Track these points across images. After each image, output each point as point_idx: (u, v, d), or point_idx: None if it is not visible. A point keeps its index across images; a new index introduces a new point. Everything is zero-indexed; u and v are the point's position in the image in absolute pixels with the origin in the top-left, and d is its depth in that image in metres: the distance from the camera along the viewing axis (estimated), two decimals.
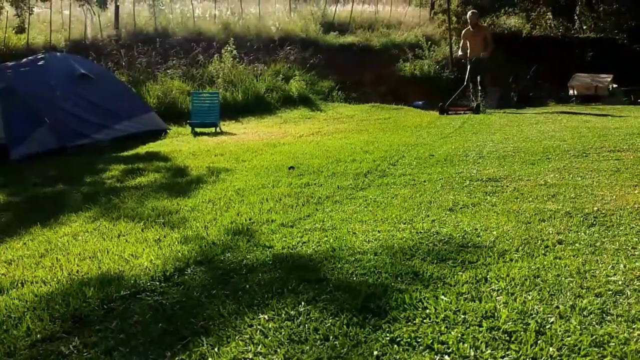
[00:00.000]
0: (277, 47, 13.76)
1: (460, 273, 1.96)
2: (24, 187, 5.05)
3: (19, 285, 2.20)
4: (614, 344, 1.46)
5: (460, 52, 10.10)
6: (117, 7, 14.15)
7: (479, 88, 9.80)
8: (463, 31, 10.36)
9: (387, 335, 1.53)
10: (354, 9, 17.25)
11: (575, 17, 16.50)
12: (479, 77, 9.65)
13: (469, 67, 9.65)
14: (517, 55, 13.76)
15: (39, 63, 8.18)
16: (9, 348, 1.62)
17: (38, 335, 1.68)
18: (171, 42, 13.47)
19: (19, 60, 8.66)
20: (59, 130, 7.30)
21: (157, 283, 2.05)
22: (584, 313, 1.62)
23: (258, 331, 1.60)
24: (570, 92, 12.48)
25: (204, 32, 14.37)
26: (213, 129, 9.06)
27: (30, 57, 8.74)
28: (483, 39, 9.73)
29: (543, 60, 13.41)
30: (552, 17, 16.37)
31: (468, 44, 9.80)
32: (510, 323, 1.57)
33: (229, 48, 12.38)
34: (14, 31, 13.03)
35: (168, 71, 11.96)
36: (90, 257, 2.49)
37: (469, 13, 10.31)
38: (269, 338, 1.56)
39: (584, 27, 16.23)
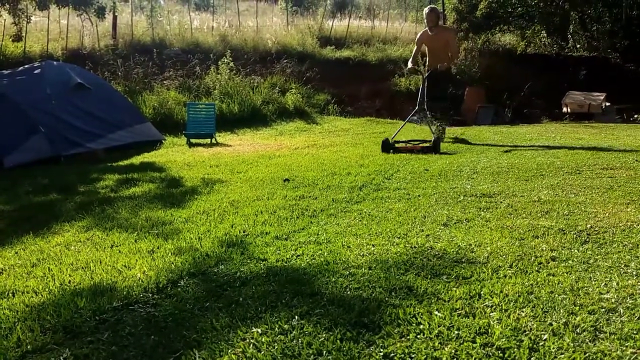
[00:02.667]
0: (274, 60, 13.84)
1: (454, 288, 1.96)
2: (17, 196, 5.02)
3: (10, 295, 2.18)
4: None
5: (409, 64, 7.24)
6: (115, 17, 14.21)
7: (438, 115, 7.42)
8: (418, 34, 7.72)
9: (381, 350, 1.53)
10: (350, 23, 17.41)
11: (569, 36, 16.73)
12: (439, 98, 7.20)
13: (424, 82, 7.13)
14: (511, 72, 13.93)
15: (36, 72, 8.19)
16: None
17: (29, 346, 1.66)
18: (168, 53, 13.52)
19: (16, 69, 8.66)
20: (54, 138, 7.28)
21: (150, 295, 2.03)
22: (577, 330, 1.62)
23: (251, 345, 1.59)
24: (564, 109, 12.61)
25: (201, 43, 14.43)
26: (208, 140, 9.07)
27: (26, 66, 8.76)
28: (445, 44, 7.17)
29: (537, 78, 13.56)
30: (546, 35, 16.59)
31: (426, 51, 7.40)
32: (503, 339, 1.57)
33: (225, 60, 12.45)
34: (11, 39, 13.04)
35: (164, 82, 11.99)
36: (82, 268, 2.47)
37: (426, 10, 7.56)
38: (262, 352, 1.55)
39: (578, 46, 16.45)
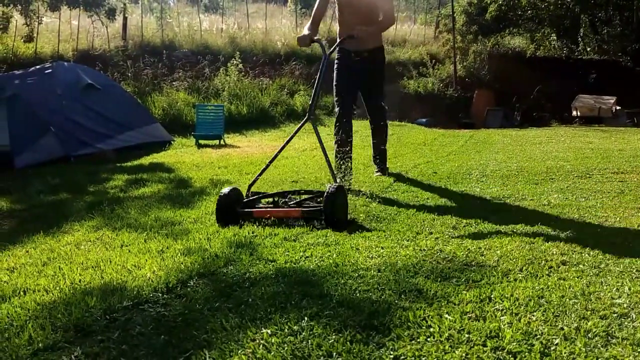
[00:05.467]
0: (283, 62, 13.87)
1: (464, 292, 1.96)
2: (28, 195, 5.06)
3: (21, 293, 2.19)
4: None
5: (305, 30, 4.13)
6: (125, 19, 14.30)
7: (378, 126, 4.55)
8: None
9: (391, 353, 1.52)
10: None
11: (579, 39, 16.63)
12: (370, 97, 4.42)
13: (339, 69, 4.32)
14: (520, 75, 13.87)
15: (46, 72, 8.26)
16: (11, 356, 1.61)
17: (40, 344, 1.67)
18: (177, 55, 13.59)
19: (27, 69, 8.74)
20: (64, 139, 7.34)
21: (160, 294, 2.04)
22: (589, 335, 1.61)
23: (261, 346, 1.59)
24: (574, 113, 12.53)
25: (210, 45, 14.50)
26: (217, 142, 9.10)
27: (37, 66, 8.83)
28: (374, 6, 4.17)
29: (546, 81, 13.50)
30: (556, 38, 16.50)
31: (337, 12, 4.36)
32: (514, 343, 1.56)
33: (234, 62, 12.50)
34: (22, 40, 13.17)
35: (174, 83, 12.06)
36: (93, 267, 2.49)
37: None
38: (272, 353, 1.55)
39: (588, 49, 16.34)
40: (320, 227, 3.00)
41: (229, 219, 3.17)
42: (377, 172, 4.68)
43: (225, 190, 3.28)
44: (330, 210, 2.98)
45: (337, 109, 4.32)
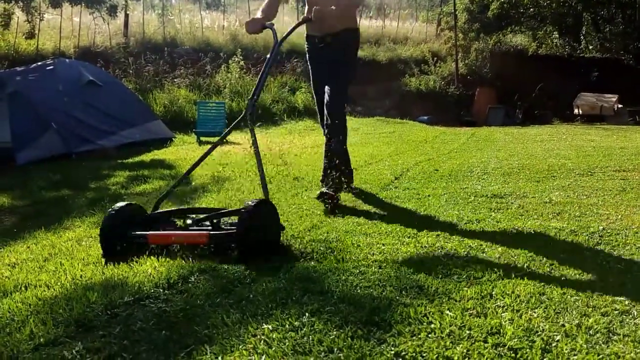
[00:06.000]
0: (284, 59, 13.85)
1: (466, 288, 1.96)
2: (29, 191, 5.07)
3: (23, 288, 2.20)
4: None
5: (258, 13, 3.41)
6: (126, 16, 14.30)
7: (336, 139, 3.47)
8: None
9: (392, 349, 1.52)
10: (361, 23, 17.39)
11: (582, 37, 16.60)
12: (336, 98, 3.47)
13: (308, 59, 3.77)
14: (522, 73, 13.84)
15: (48, 69, 8.26)
16: (12, 351, 1.62)
17: (41, 339, 1.67)
18: (179, 52, 13.59)
19: (28, 66, 8.74)
20: (66, 135, 7.35)
21: (161, 290, 2.04)
22: (590, 332, 1.61)
23: (262, 341, 1.59)
24: (576, 111, 12.51)
25: (211, 42, 14.49)
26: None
27: (39, 63, 8.83)
28: None
29: (548, 79, 13.48)
30: (558, 36, 16.47)
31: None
32: (515, 340, 1.56)
33: (236, 59, 12.49)
34: (24, 37, 13.17)
35: (175, 80, 12.06)
36: (94, 263, 2.49)
37: None
38: (273, 349, 1.55)
39: (590, 47, 16.31)
40: (237, 256, 2.33)
41: (117, 246, 2.42)
42: (322, 193, 3.41)
43: (117, 206, 2.51)
44: (244, 236, 2.26)
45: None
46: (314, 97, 3.86)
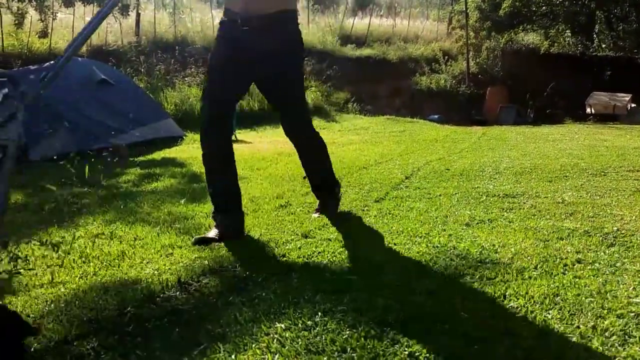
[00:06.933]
0: None
1: (479, 289, 1.94)
2: (42, 188, 5.10)
3: (37, 286, 2.22)
4: None
5: None
6: (138, 15, 14.37)
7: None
8: None
9: (406, 349, 1.52)
10: (371, 22, 17.34)
11: (594, 36, 16.44)
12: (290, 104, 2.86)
13: (215, 45, 2.71)
14: (534, 72, 13.74)
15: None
16: (26, 349, 1.63)
17: (55, 337, 1.68)
18: (190, 50, 13.64)
19: (42, 65, 8.81)
20: (78, 133, 7.40)
21: (174, 288, 2.05)
22: (606, 334, 1.59)
23: (275, 340, 1.60)
24: (588, 110, 12.40)
25: None
26: None
27: (52, 62, 8.88)
28: None
29: (560, 78, 13.37)
30: (570, 34, 16.32)
31: None
32: (530, 341, 1.55)
33: None
34: (37, 36, 13.28)
35: (186, 79, 12.10)
36: (107, 261, 2.50)
37: None
38: (286, 347, 1.55)
39: (603, 46, 16.14)
40: None
41: None
42: (316, 211, 3.22)
43: None
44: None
45: (202, 104, 2.72)
46: (208, 86, 2.69)
